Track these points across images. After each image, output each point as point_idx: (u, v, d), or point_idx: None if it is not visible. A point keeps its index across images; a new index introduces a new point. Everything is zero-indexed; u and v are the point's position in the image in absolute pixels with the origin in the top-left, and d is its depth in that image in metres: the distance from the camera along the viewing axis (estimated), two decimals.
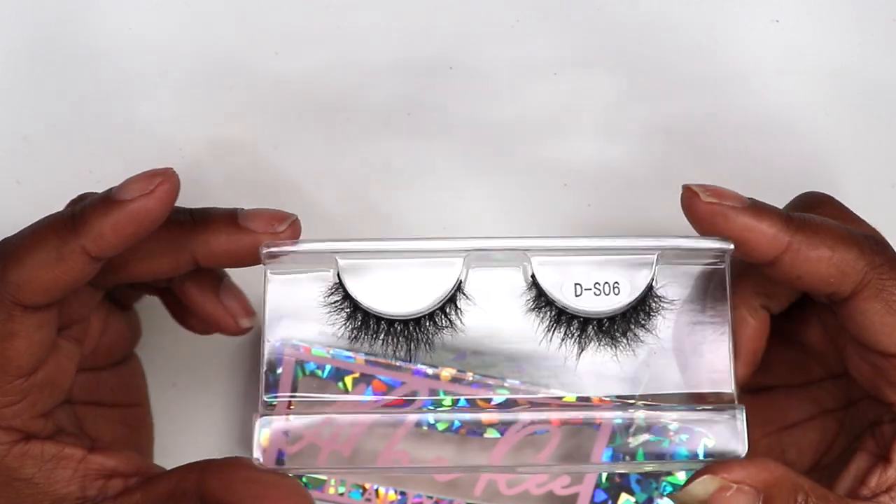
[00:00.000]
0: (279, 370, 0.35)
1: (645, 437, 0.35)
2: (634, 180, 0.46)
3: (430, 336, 0.35)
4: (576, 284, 0.35)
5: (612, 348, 0.35)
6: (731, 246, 0.35)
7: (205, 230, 0.37)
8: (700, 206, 0.35)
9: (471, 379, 0.36)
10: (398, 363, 0.36)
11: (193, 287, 0.40)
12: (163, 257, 0.37)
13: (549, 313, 0.35)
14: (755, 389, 0.42)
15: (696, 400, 0.35)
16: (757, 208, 0.35)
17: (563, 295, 0.35)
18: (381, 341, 0.35)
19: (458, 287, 0.35)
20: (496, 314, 0.35)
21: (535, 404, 0.35)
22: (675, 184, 0.46)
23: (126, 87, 0.46)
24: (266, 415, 0.34)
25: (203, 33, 0.46)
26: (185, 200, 0.46)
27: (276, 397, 0.35)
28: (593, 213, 0.47)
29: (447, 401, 0.36)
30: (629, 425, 0.35)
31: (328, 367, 0.37)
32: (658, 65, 0.47)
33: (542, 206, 0.47)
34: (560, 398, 0.35)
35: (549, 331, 0.35)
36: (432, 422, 0.36)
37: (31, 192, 0.46)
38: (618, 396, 0.35)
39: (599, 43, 0.47)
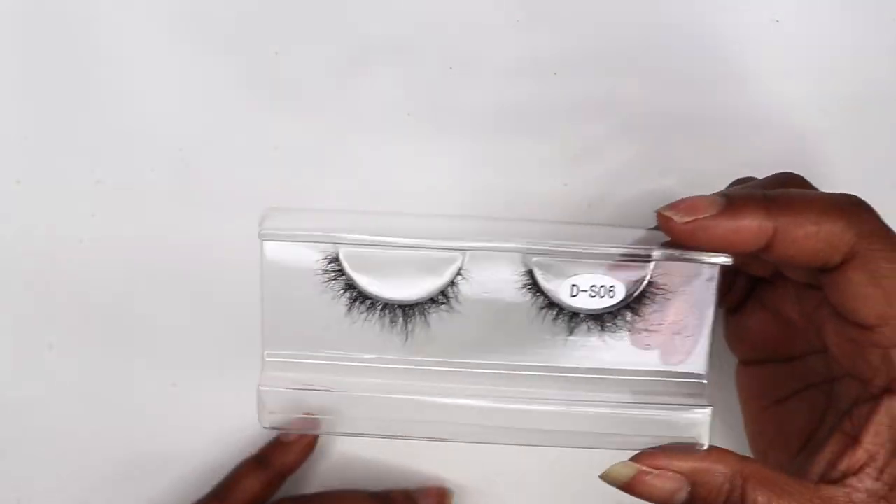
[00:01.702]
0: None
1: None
2: (634, 180, 0.46)
3: (427, 313, 0.36)
4: (572, 286, 0.36)
5: (601, 330, 0.36)
6: (730, 261, 0.35)
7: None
8: (678, 229, 0.35)
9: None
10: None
11: None
12: None
13: (542, 298, 0.36)
14: (750, 362, 0.43)
15: (670, 388, 0.37)
16: (733, 205, 0.35)
17: (559, 295, 0.36)
18: (377, 315, 0.36)
19: (458, 272, 0.36)
20: (491, 294, 0.36)
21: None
22: (675, 184, 0.46)
23: (126, 87, 0.46)
24: (268, 383, 0.36)
25: (203, 33, 0.46)
26: (184, 200, 0.47)
27: (276, 355, 0.36)
28: (593, 213, 0.47)
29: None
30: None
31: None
32: (658, 64, 0.47)
33: (543, 206, 0.47)
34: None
35: (540, 310, 0.36)
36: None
37: (31, 192, 0.46)
38: (601, 379, 0.37)
39: (599, 43, 0.47)
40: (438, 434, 0.36)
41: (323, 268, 0.36)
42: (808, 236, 0.35)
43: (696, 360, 0.37)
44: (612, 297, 0.36)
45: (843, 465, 0.36)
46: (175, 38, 0.46)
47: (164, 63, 0.46)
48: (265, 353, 0.36)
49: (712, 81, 0.47)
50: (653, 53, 0.47)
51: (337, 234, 0.35)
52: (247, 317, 0.47)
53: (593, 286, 0.36)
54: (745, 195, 0.35)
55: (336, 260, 0.35)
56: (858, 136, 0.47)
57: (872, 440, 0.36)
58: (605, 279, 0.36)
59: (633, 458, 0.35)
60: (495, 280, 0.36)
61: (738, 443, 0.42)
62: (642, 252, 0.36)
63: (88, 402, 0.47)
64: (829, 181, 0.46)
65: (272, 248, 0.35)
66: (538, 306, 0.36)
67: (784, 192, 0.36)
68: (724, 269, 0.37)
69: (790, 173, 0.40)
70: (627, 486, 0.35)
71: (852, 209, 0.36)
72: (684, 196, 0.36)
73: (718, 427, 0.39)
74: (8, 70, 0.47)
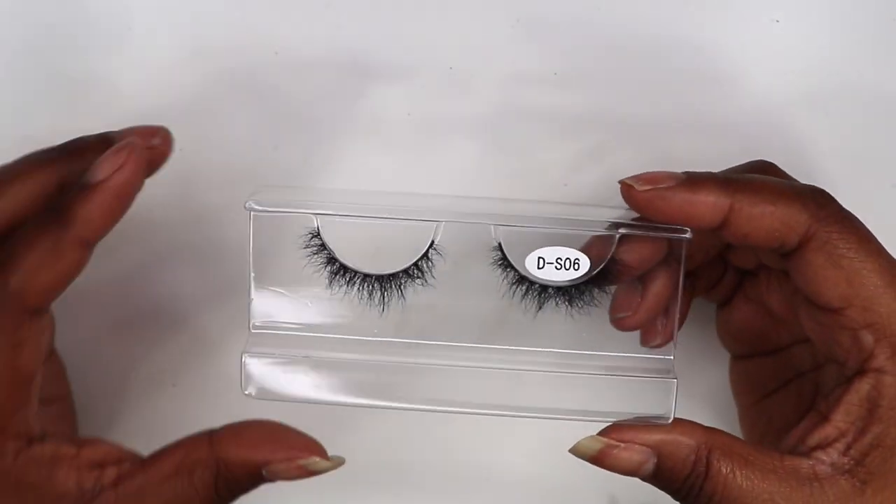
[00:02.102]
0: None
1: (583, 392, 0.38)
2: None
3: (403, 286, 0.37)
4: (539, 258, 0.37)
5: (569, 307, 0.38)
6: (688, 235, 0.37)
7: (72, 213, 0.36)
8: (637, 196, 0.36)
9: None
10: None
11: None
12: (57, 261, 0.36)
13: (512, 273, 0.38)
14: (740, 356, 0.44)
15: (637, 363, 0.38)
16: (692, 181, 0.36)
17: (525, 266, 0.37)
18: (356, 288, 0.37)
19: (431, 245, 0.37)
20: (464, 269, 0.38)
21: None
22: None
23: (126, 87, 0.46)
24: (253, 352, 0.37)
25: (204, 33, 0.46)
26: (184, 200, 0.47)
27: (261, 328, 0.38)
28: (593, 213, 0.47)
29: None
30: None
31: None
32: (658, 64, 0.47)
33: (542, 205, 0.47)
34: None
35: (511, 286, 0.38)
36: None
37: None
38: (570, 354, 0.38)
39: (599, 43, 0.47)
40: (411, 401, 0.37)
41: (306, 242, 0.37)
42: (763, 215, 0.36)
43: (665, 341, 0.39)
44: (577, 269, 0.37)
45: (812, 440, 0.37)
46: (175, 39, 0.47)
47: (164, 63, 0.46)
48: (251, 322, 0.38)
49: (712, 82, 0.47)
50: (652, 53, 0.47)
51: (318, 207, 0.37)
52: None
53: (558, 258, 0.37)
54: (705, 174, 0.37)
55: (317, 235, 0.37)
56: (858, 136, 0.47)
57: (843, 418, 0.36)
58: (570, 252, 0.37)
59: (601, 433, 0.37)
60: (467, 255, 0.38)
61: None
62: (604, 224, 0.38)
63: (88, 402, 0.47)
64: (829, 181, 0.46)
65: (259, 222, 0.37)
66: (509, 282, 0.38)
67: (745, 176, 0.38)
68: (708, 262, 0.39)
69: (764, 161, 0.42)
70: (595, 459, 0.36)
71: (809, 194, 0.37)
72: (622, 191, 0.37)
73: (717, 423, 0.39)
74: (8, 70, 0.47)
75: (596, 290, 0.38)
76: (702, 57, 0.47)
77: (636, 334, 0.39)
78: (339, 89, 0.46)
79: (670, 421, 0.37)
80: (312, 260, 0.37)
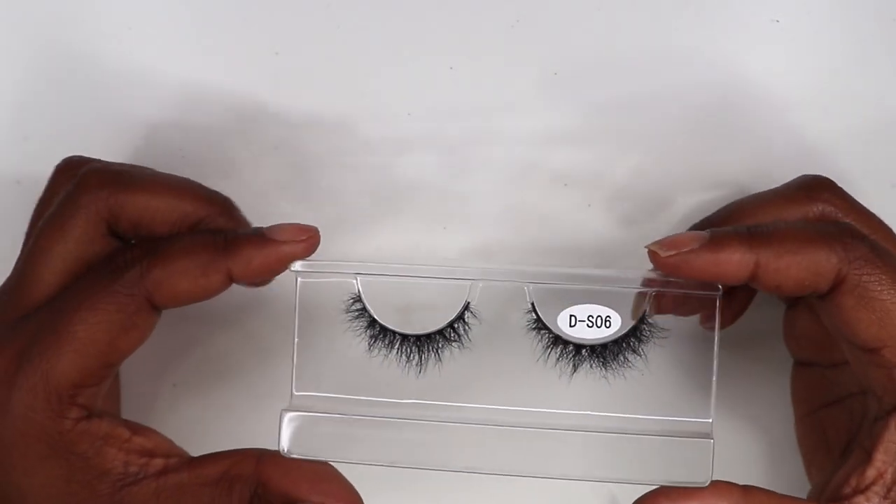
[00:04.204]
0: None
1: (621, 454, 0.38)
2: (634, 180, 0.46)
3: (440, 348, 0.38)
4: (570, 316, 0.37)
5: (602, 370, 0.38)
6: (720, 292, 0.37)
7: (238, 248, 0.38)
8: (662, 262, 0.37)
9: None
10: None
11: None
12: (201, 277, 0.38)
13: (546, 335, 0.38)
14: (800, 362, 0.43)
15: (675, 426, 0.38)
16: (715, 241, 0.37)
17: (558, 324, 0.38)
18: (395, 351, 0.38)
19: (466, 307, 0.38)
20: (499, 332, 0.39)
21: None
22: (675, 184, 0.46)
23: (126, 87, 0.46)
24: (294, 409, 0.38)
25: (203, 33, 0.46)
26: None
27: (304, 394, 0.39)
28: (593, 213, 0.47)
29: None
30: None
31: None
32: (658, 65, 0.46)
33: (543, 206, 0.47)
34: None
35: (546, 349, 0.38)
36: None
37: (31, 192, 0.46)
38: (602, 415, 0.38)
39: (599, 43, 0.47)
40: (447, 464, 0.38)
41: (347, 307, 0.38)
42: (790, 266, 0.36)
43: (701, 402, 0.38)
44: (608, 326, 0.37)
45: (854, 482, 0.37)
46: (175, 39, 0.46)
47: (164, 64, 0.46)
48: (293, 387, 0.39)
49: (712, 82, 0.47)
50: (651, 54, 0.47)
51: (358, 267, 0.38)
52: (246, 319, 0.47)
53: (590, 316, 0.37)
54: (728, 230, 0.37)
55: (359, 298, 0.38)
56: (858, 136, 0.47)
57: (882, 458, 0.36)
58: (602, 309, 0.37)
59: (644, 499, 0.36)
60: (502, 317, 0.39)
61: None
62: (638, 280, 0.38)
63: None
64: None
65: (304, 287, 0.38)
66: (544, 344, 0.38)
67: (768, 226, 0.37)
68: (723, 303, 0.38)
69: (818, 178, 0.41)
70: None
71: (837, 236, 0.37)
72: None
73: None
74: (8, 70, 0.47)
75: (630, 353, 0.38)
76: (702, 57, 0.47)
77: (671, 399, 0.40)
78: (339, 89, 0.46)
79: (707, 484, 0.36)
80: (353, 325, 0.39)
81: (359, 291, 0.38)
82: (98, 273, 0.38)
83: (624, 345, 0.38)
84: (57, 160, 0.46)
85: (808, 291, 0.37)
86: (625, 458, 0.37)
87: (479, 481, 0.46)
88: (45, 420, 0.37)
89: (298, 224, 0.39)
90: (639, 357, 0.38)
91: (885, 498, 0.36)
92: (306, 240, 0.38)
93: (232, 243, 0.38)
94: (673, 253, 0.37)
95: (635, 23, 0.47)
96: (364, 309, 0.38)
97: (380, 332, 0.38)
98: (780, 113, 0.47)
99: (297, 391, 0.38)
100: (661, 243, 0.37)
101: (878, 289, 0.36)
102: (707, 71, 0.46)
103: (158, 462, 0.38)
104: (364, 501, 0.38)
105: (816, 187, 0.41)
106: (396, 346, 0.38)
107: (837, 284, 0.36)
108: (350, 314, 0.39)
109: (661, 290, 0.38)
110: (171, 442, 0.39)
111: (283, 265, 0.38)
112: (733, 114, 0.47)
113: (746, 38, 0.47)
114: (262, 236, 0.38)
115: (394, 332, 0.38)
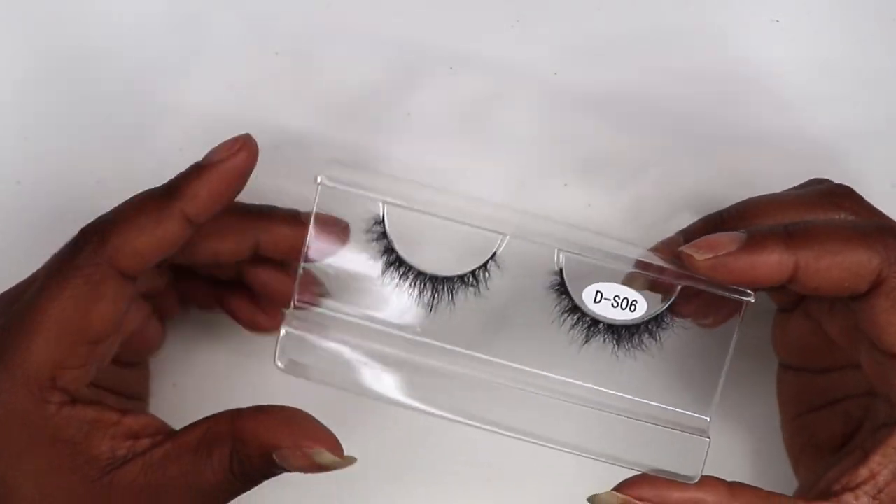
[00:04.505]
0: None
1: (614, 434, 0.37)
2: (634, 180, 0.46)
3: (455, 291, 0.37)
4: (597, 292, 0.37)
5: (615, 346, 0.37)
6: (752, 298, 0.36)
7: (270, 220, 0.40)
8: (700, 266, 0.36)
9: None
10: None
11: (262, 270, 0.42)
12: (230, 239, 0.40)
13: (567, 300, 0.37)
14: (788, 367, 0.43)
15: (673, 417, 0.37)
16: (754, 242, 0.36)
17: (582, 297, 0.37)
18: (409, 284, 0.37)
19: (493, 256, 0.37)
20: (519, 287, 0.37)
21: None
22: (674, 184, 0.46)
23: (126, 87, 0.46)
24: (291, 325, 0.37)
25: (203, 33, 0.46)
26: None
27: (305, 305, 0.37)
28: (593, 213, 0.47)
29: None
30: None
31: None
32: (657, 65, 0.47)
33: (543, 206, 0.47)
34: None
35: (563, 313, 0.37)
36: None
37: (31, 192, 0.46)
38: (603, 391, 0.38)
39: (599, 43, 0.47)
40: (440, 408, 0.37)
41: (368, 227, 0.37)
42: (831, 267, 0.35)
43: (704, 399, 0.37)
44: (632, 311, 0.37)
45: (845, 480, 0.36)
46: (175, 38, 0.46)
47: (164, 63, 0.46)
48: (295, 297, 0.37)
49: (712, 81, 0.47)
50: (652, 54, 0.47)
51: (385, 194, 0.37)
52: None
53: (616, 296, 0.37)
54: (765, 230, 0.36)
55: (381, 222, 0.37)
56: (858, 136, 0.47)
57: (879, 460, 0.36)
58: (630, 292, 0.37)
59: (620, 487, 0.36)
60: (526, 273, 0.37)
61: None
62: (672, 271, 0.37)
63: None
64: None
65: (325, 197, 0.37)
66: (561, 308, 0.37)
67: (805, 225, 0.36)
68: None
69: (838, 186, 0.40)
70: None
71: (877, 236, 0.36)
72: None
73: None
74: (8, 70, 0.47)
75: (647, 336, 0.37)
76: (702, 57, 0.47)
77: (676, 389, 0.39)
78: (339, 89, 0.46)
79: (696, 481, 0.36)
80: (370, 246, 0.37)
81: (383, 217, 0.37)
82: (61, 252, 0.38)
83: (643, 328, 0.37)
84: (57, 160, 0.46)
85: (847, 293, 0.36)
86: (617, 438, 0.37)
87: (477, 483, 0.46)
88: (28, 405, 0.36)
89: (228, 140, 0.38)
90: (654, 342, 0.37)
91: (874, 498, 0.36)
92: (240, 149, 0.38)
93: (174, 184, 0.38)
94: (710, 256, 0.36)
95: (635, 23, 0.47)
96: (385, 234, 0.37)
97: (396, 261, 0.37)
98: (780, 113, 0.47)
99: (298, 299, 0.37)
100: (698, 245, 0.36)
101: None
102: (707, 71, 0.46)
103: (144, 442, 0.37)
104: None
105: (840, 194, 0.40)
106: (410, 280, 0.37)
107: (876, 286, 0.35)
108: (369, 234, 0.37)
109: (692, 284, 0.37)
110: (159, 421, 0.39)
111: (231, 186, 0.38)
112: (733, 113, 0.47)
113: (746, 38, 0.47)
114: (198, 166, 0.38)
115: (410, 266, 0.37)
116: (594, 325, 0.37)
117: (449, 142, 0.47)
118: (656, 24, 0.47)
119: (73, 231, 0.38)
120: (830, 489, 0.36)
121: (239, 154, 0.38)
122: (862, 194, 0.41)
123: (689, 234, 0.39)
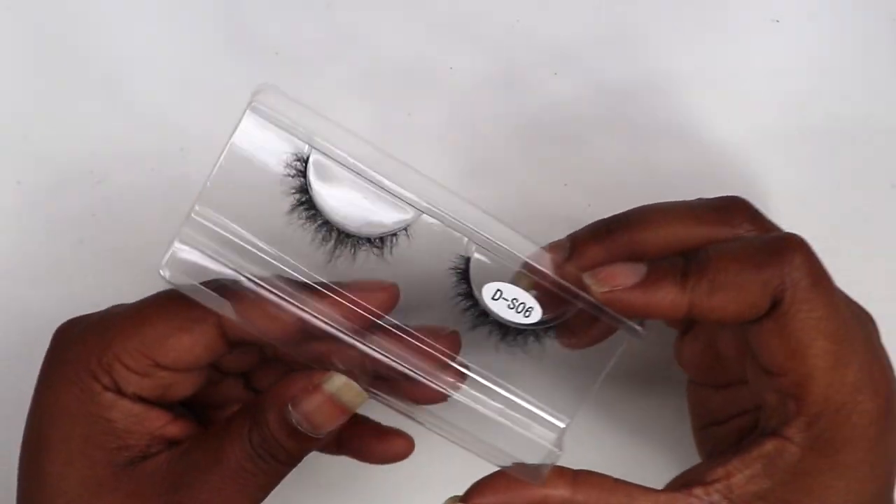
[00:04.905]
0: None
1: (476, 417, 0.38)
2: (634, 180, 0.47)
3: (358, 248, 0.37)
4: (497, 290, 0.37)
5: (499, 340, 0.38)
6: (643, 333, 0.37)
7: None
8: (597, 296, 0.36)
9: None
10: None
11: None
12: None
13: (464, 286, 0.37)
14: (693, 382, 0.43)
15: (533, 417, 0.38)
16: (649, 281, 0.36)
17: (482, 291, 0.37)
18: (314, 227, 0.36)
19: (405, 229, 0.37)
20: (422, 261, 0.37)
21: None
22: (674, 184, 0.47)
23: (126, 87, 0.46)
24: (185, 241, 0.36)
25: (203, 33, 0.47)
26: (184, 198, 0.46)
27: (204, 216, 0.36)
28: (593, 214, 0.47)
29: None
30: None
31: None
32: (658, 65, 0.47)
33: (543, 206, 0.47)
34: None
35: (457, 296, 0.37)
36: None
37: (31, 192, 0.46)
38: (477, 377, 0.38)
39: (599, 43, 0.47)
40: (316, 361, 0.37)
41: (288, 161, 0.36)
42: (726, 304, 0.36)
43: (569, 408, 0.38)
44: (527, 316, 0.37)
45: (700, 474, 0.37)
46: (175, 38, 0.47)
47: (165, 63, 0.46)
48: (195, 207, 0.36)
49: (712, 81, 0.47)
50: (651, 54, 0.47)
51: (316, 135, 0.36)
52: None
53: (515, 299, 0.37)
54: (664, 265, 0.36)
55: (303, 161, 0.36)
56: (858, 136, 0.47)
57: (737, 464, 0.37)
58: (529, 299, 0.37)
59: (464, 496, 0.37)
60: (434, 251, 0.37)
61: None
62: (573, 292, 0.37)
63: None
64: (829, 181, 0.46)
65: (252, 122, 0.36)
66: (458, 291, 0.37)
67: (700, 257, 0.36)
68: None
69: (734, 197, 0.39)
70: None
71: (775, 260, 0.36)
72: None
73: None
74: (8, 70, 0.47)
75: (532, 339, 0.38)
76: (702, 57, 0.47)
77: (547, 393, 0.39)
78: (339, 89, 0.47)
79: (538, 482, 0.36)
80: (284, 180, 0.36)
81: (307, 158, 0.36)
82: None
83: (530, 330, 0.37)
84: (57, 160, 0.46)
85: (746, 320, 0.36)
86: (480, 424, 0.37)
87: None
88: (79, 373, 0.37)
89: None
90: (538, 346, 0.38)
91: (725, 497, 0.36)
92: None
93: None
94: (606, 289, 0.36)
95: (634, 23, 0.47)
96: (303, 172, 0.36)
97: (306, 203, 0.36)
98: (780, 113, 0.47)
99: (197, 209, 0.36)
100: (596, 276, 0.36)
101: (801, 324, 0.35)
102: (707, 71, 0.46)
103: (183, 446, 0.38)
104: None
105: (732, 208, 0.39)
106: (317, 225, 0.36)
107: (774, 306, 0.36)
108: (288, 168, 0.36)
109: (588, 309, 0.37)
110: (202, 429, 0.39)
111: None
112: (732, 114, 0.47)
113: (746, 38, 0.47)
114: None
115: (319, 212, 0.36)
116: (484, 316, 0.37)
117: (449, 142, 0.47)
118: (655, 24, 0.47)
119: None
120: (685, 480, 0.37)
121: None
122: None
123: (576, 241, 0.39)
